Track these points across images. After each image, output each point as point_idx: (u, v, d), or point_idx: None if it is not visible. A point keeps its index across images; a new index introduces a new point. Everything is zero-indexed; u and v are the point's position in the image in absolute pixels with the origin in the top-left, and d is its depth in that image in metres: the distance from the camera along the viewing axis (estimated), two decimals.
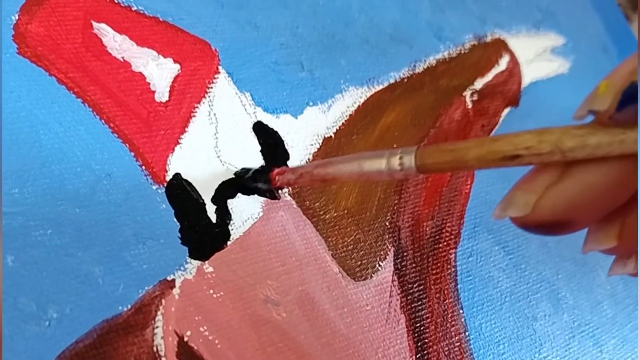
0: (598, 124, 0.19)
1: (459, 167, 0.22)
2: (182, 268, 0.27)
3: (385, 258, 0.33)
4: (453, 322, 0.33)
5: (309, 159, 0.33)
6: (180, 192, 0.29)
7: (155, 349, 0.25)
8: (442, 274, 0.34)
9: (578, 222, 0.20)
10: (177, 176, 0.29)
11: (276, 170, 0.29)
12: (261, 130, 0.32)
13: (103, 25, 0.29)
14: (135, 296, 0.26)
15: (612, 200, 0.20)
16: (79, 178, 0.27)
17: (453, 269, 0.35)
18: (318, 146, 0.33)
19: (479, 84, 0.41)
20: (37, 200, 0.25)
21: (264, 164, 0.31)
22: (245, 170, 0.30)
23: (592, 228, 0.22)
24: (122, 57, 0.29)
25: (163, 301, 0.26)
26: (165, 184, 0.28)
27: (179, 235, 0.28)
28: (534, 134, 0.20)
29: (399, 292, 0.32)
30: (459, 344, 0.33)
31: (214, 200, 0.29)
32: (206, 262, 0.28)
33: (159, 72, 0.30)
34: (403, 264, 0.33)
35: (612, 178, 0.20)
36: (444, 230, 0.35)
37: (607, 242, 0.21)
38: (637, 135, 0.19)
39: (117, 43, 0.29)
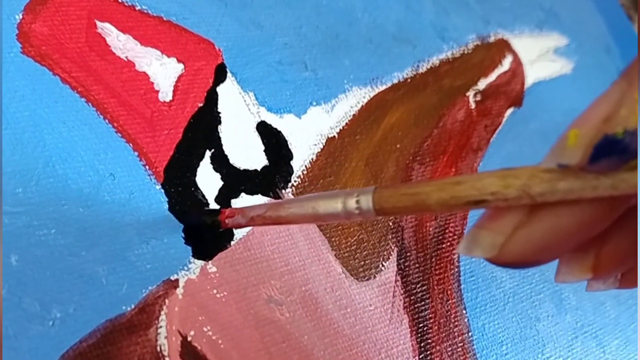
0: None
1: (421, 212, 0.20)
2: (185, 268, 0.27)
3: (389, 258, 0.33)
4: (456, 323, 0.33)
5: (312, 159, 0.33)
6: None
7: (158, 348, 0.25)
8: (446, 274, 0.34)
9: (547, 259, 0.19)
10: None
11: (226, 212, 0.27)
12: (265, 130, 0.32)
13: (107, 25, 0.29)
14: (139, 296, 0.26)
15: (583, 239, 0.19)
16: (83, 178, 0.26)
17: (456, 269, 0.35)
18: (321, 146, 0.33)
19: (482, 84, 0.41)
20: (40, 200, 0.25)
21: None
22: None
23: (565, 259, 0.20)
24: (126, 57, 0.29)
25: (167, 301, 0.26)
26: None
27: (183, 235, 0.28)
28: (498, 177, 0.18)
29: (402, 292, 0.32)
30: (462, 344, 0.33)
31: (217, 200, 0.29)
32: (210, 262, 0.28)
33: (162, 71, 0.30)
34: (406, 264, 0.33)
35: (583, 220, 0.18)
36: (447, 231, 0.35)
37: (582, 274, 0.20)
38: (611, 181, 0.17)
39: (120, 42, 0.29)
